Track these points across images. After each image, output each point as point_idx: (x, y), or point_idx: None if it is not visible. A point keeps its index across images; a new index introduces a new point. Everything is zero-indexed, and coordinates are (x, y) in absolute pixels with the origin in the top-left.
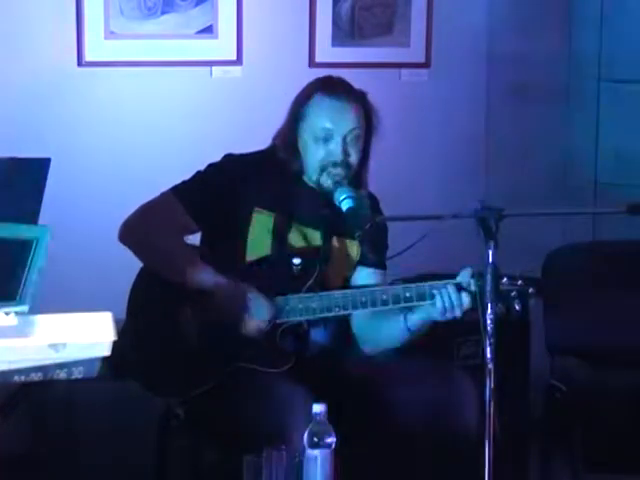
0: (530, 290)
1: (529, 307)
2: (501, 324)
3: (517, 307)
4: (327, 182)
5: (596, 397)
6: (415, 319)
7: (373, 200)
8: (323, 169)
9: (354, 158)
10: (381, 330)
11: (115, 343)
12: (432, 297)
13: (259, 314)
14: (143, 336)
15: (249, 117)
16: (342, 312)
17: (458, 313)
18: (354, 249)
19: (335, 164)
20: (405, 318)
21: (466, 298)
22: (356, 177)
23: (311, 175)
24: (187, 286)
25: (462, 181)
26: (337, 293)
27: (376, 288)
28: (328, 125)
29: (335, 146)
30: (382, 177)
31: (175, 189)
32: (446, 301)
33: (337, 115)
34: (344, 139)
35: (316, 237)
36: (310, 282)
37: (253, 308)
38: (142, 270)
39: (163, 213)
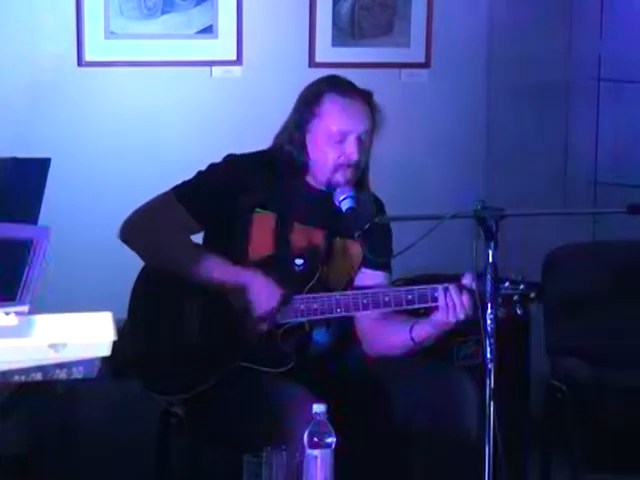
0: (532, 294)
1: (530, 311)
2: (501, 325)
3: (519, 311)
4: (339, 181)
5: (596, 397)
6: (420, 331)
7: (378, 203)
8: (336, 169)
9: (365, 159)
10: (386, 337)
11: (116, 342)
12: (434, 300)
13: (268, 298)
14: (144, 335)
15: (249, 117)
16: (344, 313)
17: (461, 315)
18: (357, 250)
19: (349, 165)
20: (411, 329)
21: (468, 299)
22: (361, 177)
23: (321, 175)
24: (195, 278)
25: (462, 181)
26: (339, 294)
27: (378, 290)
28: (344, 127)
29: (350, 147)
30: (382, 177)
31: (176, 189)
32: (449, 302)
33: (352, 116)
34: (358, 140)
35: (318, 237)
36: (312, 282)
37: (262, 292)
38: (143, 270)
39: (164, 213)
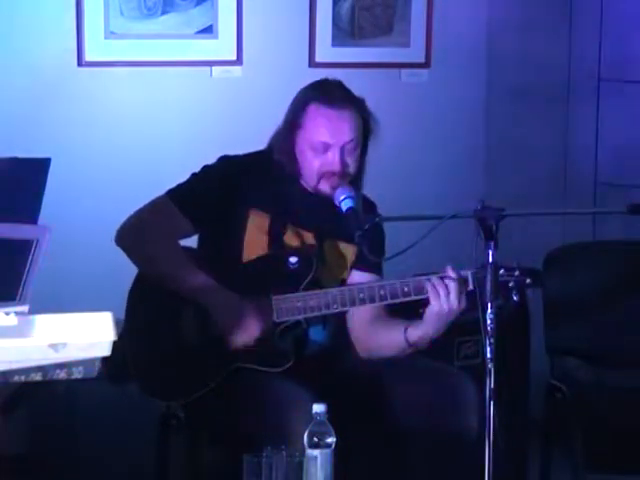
0: (527, 281)
1: (527, 298)
2: (501, 325)
3: (515, 298)
4: (325, 188)
5: (596, 397)
6: (415, 331)
7: (371, 205)
8: (321, 177)
9: (352, 167)
10: (380, 340)
11: (114, 347)
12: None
13: (250, 327)
14: (141, 339)
15: (249, 117)
16: (340, 309)
17: (454, 302)
18: (348, 252)
19: (334, 173)
20: (405, 331)
21: (454, 286)
22: (353, 181)
23: (309, 181)
24: (180, 293)
25: (462, 181)
26: (335, 290)
27: (374, 284)
28: (325, 138)
29: (333, 157)
30: (382, 177)
31: (171, 192)
32: (440, 290)
33: (334, 127)
34: (342, 150)
35: (310, 239)
36: (307, 280)
37: (244, 321)
38: (139, 273)
39: (159, 217)
